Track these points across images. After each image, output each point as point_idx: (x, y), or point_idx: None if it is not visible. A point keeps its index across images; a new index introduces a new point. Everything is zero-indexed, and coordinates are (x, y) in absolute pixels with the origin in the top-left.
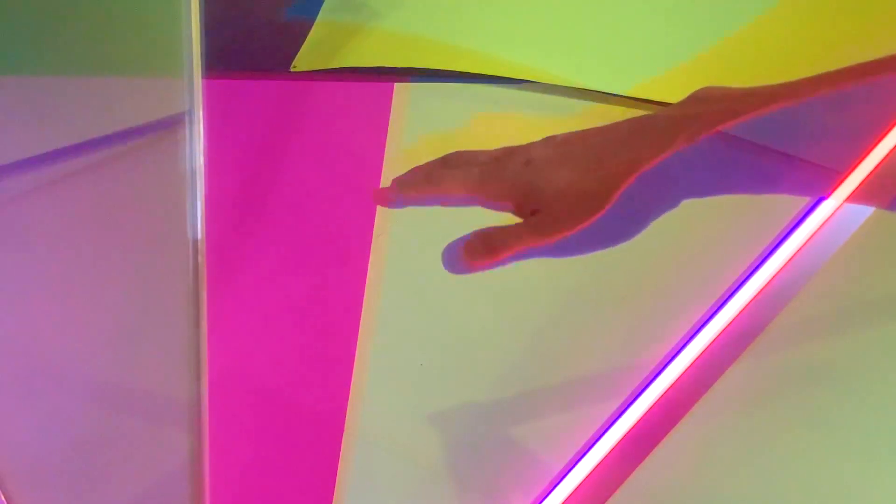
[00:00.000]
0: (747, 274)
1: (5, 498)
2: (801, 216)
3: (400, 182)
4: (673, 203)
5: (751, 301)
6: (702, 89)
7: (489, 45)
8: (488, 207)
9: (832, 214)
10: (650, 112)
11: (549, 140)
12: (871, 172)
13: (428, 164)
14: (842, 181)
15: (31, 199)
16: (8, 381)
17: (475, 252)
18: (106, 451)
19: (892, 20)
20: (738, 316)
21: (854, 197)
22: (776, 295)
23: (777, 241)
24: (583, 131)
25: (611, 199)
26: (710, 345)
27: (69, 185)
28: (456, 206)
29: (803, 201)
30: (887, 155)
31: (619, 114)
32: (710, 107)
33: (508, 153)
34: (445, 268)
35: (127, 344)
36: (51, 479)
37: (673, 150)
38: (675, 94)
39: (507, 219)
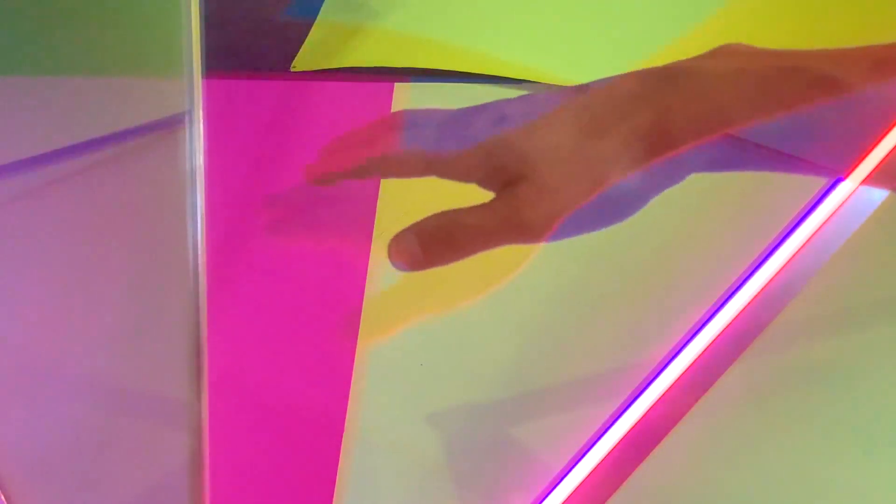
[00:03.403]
0: (748, 273)
1: (5, 498)
2: (800, 217)
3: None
4: (679, 177)
5: (751, 301)
6: (728, 45)
7: (489, 45)
8: (449, 178)
9: (831, 215)
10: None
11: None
12: (872, 172)
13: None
14: (842, 181)
15: (31, 199)
16: (8, 382)
17: (431, 246)
18: (106, 452)
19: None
20: (738, 316)
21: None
22: (776, 295)
23: (777, 241)
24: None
25: (620, 168)
26: (710, 345)
27: (69, 185)
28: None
29: (803, 201)
30: (887, 155)
31: None
32: (747, 61)
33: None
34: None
35: (127, 344)
36: (51, 480)
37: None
38: None
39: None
